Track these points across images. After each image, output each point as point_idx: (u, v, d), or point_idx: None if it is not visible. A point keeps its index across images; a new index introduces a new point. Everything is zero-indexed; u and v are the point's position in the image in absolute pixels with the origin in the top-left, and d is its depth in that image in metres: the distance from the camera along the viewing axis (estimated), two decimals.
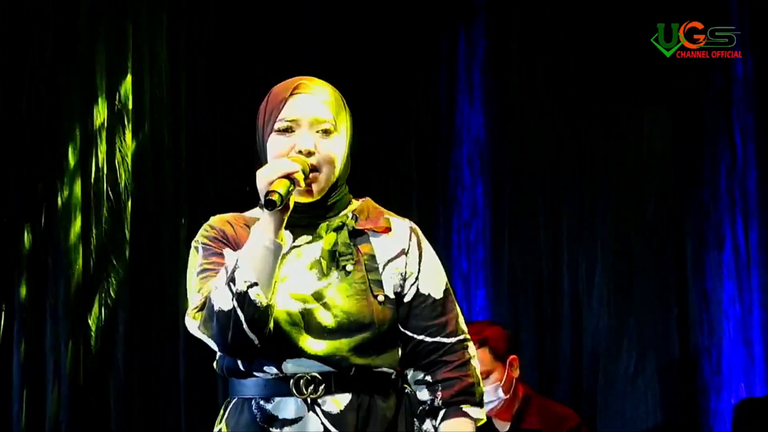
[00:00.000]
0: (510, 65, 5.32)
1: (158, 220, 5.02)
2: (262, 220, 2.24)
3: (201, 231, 2.40)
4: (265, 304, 2.19)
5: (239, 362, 2.31)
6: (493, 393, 4.09)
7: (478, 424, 2.38)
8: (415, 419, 2.40)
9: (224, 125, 5.15)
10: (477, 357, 2.44)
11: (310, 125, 2.32)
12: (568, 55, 5.23)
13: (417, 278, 2.38)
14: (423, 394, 2.39)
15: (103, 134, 4.88)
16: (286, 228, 2.28)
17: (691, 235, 5.01)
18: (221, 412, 2.37)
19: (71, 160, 4.85)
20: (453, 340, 2.38)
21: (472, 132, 5.33)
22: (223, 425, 2.35)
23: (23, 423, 4.75)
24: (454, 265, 5.24)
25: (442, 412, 2.36)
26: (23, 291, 4.79)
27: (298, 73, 2.43)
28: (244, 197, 2.47)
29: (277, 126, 2.33)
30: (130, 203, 4.89)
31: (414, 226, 2.44)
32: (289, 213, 2.23)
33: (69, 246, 4.84)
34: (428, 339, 2.37)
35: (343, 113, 2.38)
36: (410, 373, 2.41)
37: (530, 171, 5.22)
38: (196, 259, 2.35)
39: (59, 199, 4.83)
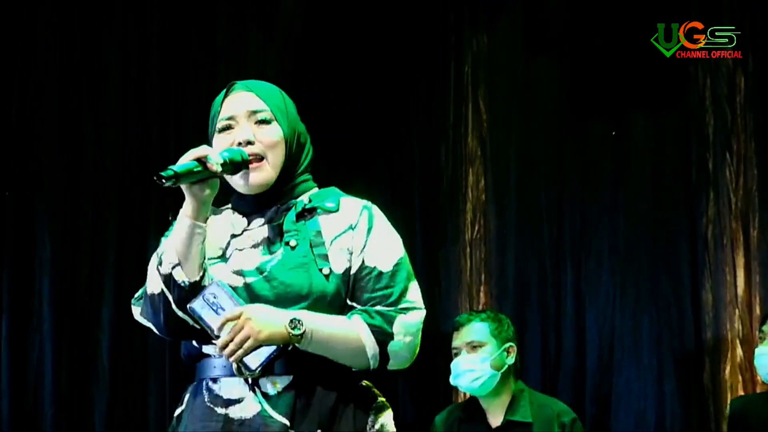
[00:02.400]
0: (513, 62, 5.29)
1: (145, 213, 4.97)
2: (184, 203, 2.29)
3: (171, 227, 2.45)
4: (188, 282, 2.24)
5: (194, 341, 2.34)
6: (479, 363, 4.10)
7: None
8: (370, 412, 2.35)
9: None
10: (414, 324, 2.33)
11: (246, 118, 2.38)
12: (571, 52, 5.20)
13: (362, 251, 2.36)
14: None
15: None
16: (242, 215, 2.39)
17: (695, 234, 4.94)
18: (183, 394, 2.41)
19: None
20: (392, 308, 2.32)
21: (476, 128, 5.28)
22: (183, 406, 2.39)
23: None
24: (459, 261, 5.18)
25: None
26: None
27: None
28: None
29: (218, 126, 2.40)
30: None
31: (369, 204, 2.44)
32: (208, 195, 2.26)
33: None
34: (371, 309, 2.32)
35: (281, 103, 2.42)
36: None
37: (535, 167, 5.19)
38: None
39: None
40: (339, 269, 2.33)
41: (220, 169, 2.26)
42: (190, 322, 2.25)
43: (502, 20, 5.32)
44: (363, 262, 2.35)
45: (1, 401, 4.86)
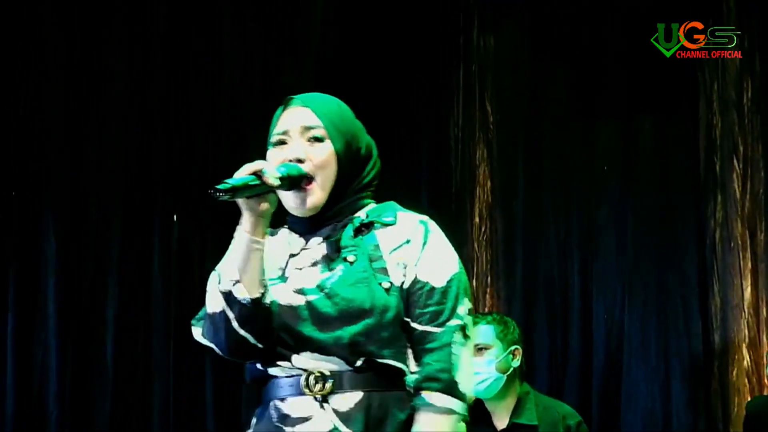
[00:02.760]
0: (520, 63, 5.30)
1: (149, 214, 4.96)
2: (241, 219, 2.25)
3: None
4: (249, 299, 2.21)
5: (257, 364, 2.32)
6: (485, 366, 4.07)
7: (455, 412, 2.25)
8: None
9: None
10: (466, 346, 2.31)
11: (300, 134, 2.33)
12: (577, 54, 5.20)
13: (416, 265, 2.31)
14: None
15: None
16: (299, 234, 2.35)
17: (702, 237, 4.94)
18: (252, 418, 2.38)
19: None
20: (442, 329, 2.28)
21: (484, 129, 5.27)
22: (251, 430, 2.36)
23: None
24: (466, 263, 5.17)
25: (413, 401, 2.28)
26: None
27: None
28: None
29: (272, 141, 2.36)
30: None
31: (426, 219, 2.39)
32: (266, 210, 2.24)
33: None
34: (419, 327, 2.29)
35: (338, 119, 2.37)
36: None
37: (542, 169, 5.19)
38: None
39: None
40: (398, 282, 2.29)
41: (277, 183, 2.23)
42: (251, 340, 2.23)
43: (510, 22, 5.30)
44: (416, 276, 2.30)
45: (6, 400, 4.86)
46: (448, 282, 2.31)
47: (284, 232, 2.39)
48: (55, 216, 5.00)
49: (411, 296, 2.29)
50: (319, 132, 2.32)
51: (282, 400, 2.27)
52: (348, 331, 2.23)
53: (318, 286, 2.27)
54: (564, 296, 5.01)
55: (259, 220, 2.22)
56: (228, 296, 2.21)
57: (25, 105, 5.03)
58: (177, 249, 5.05)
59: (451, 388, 2.25)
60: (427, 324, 2.28)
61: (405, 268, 2.31)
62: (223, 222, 4.89)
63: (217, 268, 2.29)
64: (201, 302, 4.84)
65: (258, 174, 2.20)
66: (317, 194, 2.32)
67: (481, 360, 4.07)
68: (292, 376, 2.27)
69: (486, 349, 4.09)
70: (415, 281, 2.30)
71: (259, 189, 2.20)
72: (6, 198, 4.98)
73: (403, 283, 2.29)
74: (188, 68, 5.19)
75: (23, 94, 5.06)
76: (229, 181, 2.16)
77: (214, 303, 2.24)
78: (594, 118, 5.15)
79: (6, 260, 4.93)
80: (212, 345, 2.29)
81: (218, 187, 2.15)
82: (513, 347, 4.14)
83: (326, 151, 2.32)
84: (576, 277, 5.02)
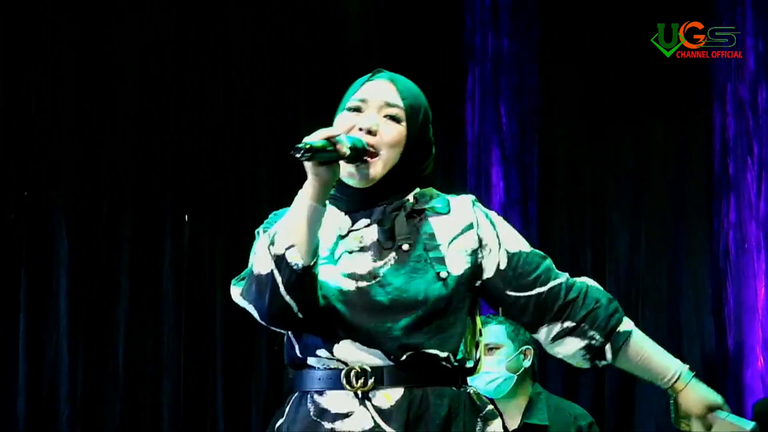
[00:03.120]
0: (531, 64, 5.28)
1: (161, 212, 4.98)
2: (305, 185, 2.20)
3: (264, 223, 2.36)
4: (302, 265, 2.15)
5: (296, 348, 2.27)
6: (495, 365, 4.04)
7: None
8: (478, 420, 2.29)
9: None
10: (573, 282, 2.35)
11: (378, 108, 2.30)
12: (587, 56, 5.18)
13: (500, 243, 2.31)
14: (572, 344, 2.32)
15: None
16: (345, 212, 2.29)
17: (717, 239, 4.91)
18: (284, 406, 2.33)
19: None
20: (562, 278, 2.32)
21: (497, 132, 5.26)
22: (283, 419, 2.30)
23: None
24: None
25: (608, 347, 2.32)
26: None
27: None
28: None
29: (348, 105, 2.32)
30: None
31: (473, 196, 2.39)
32: (331, 178, 2.19)
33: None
34: (544, 288, 2.30)
35: (418, 107, 2.34)
36: (543, 334, 2.34)
37: (555, 171, 5.19)
38: (255, 244, 2.32)
39: None
40: (457, 271, 2.26)
41: (348, 152, 2.19)
42: (294, 308, 2.16)
43: (521, 22, 5.29)
44: (507, 252, 2.31)
45: (17, 399, 4.85)
46: (530, 245, 2.36)
47: (330, 209, 2.29)
48: (66, 215, 4.99)
49: (514, 270, 2.30)
50: (398, 112, 2.30)
51: (319, 393, 2.24)
52: (399, 322, 2.20)
53: (370, 273, 2.23)
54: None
55: (323, 187, 2.17)
56: (279, 259, 2.14)
57: (37, 104, 5.03)
58: (188, 249, 5.04)
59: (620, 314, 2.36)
60: (549, 282, 2.30)
61: (474, 253, 2.29)
62: (234, 222, 4.99)
63: (269, 231, 2.23)
64: (212, 301, 4.93)
65: (333, 141, 2.15)
66: (377, 167, 2.27)
67: (491, 359, 4.04)
68: (332, 369, 2.23)
69: (497, 348, 4.05)
70: (511, 256, 2.31)
71: (331, 155, 2.15)
72: (18, 197, 4.97)
73: (466, 270, 2.27)
74: (199, 67, 5.18)
75: (35, 93, 5.05)
76: (309, 141, 2.12)
77: (262, 264, 2.17)
78: (606, 119, 5.13)
79: (18, 260, 4.92)
80: (251, 307, 2.22)
81: (298, 146, 2.11)
82: (524, 347, 4.11)
83: (399, 132, 2.29)
84: (589, 277, 4.99)
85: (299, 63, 5.24)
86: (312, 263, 2.16)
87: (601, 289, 2.37)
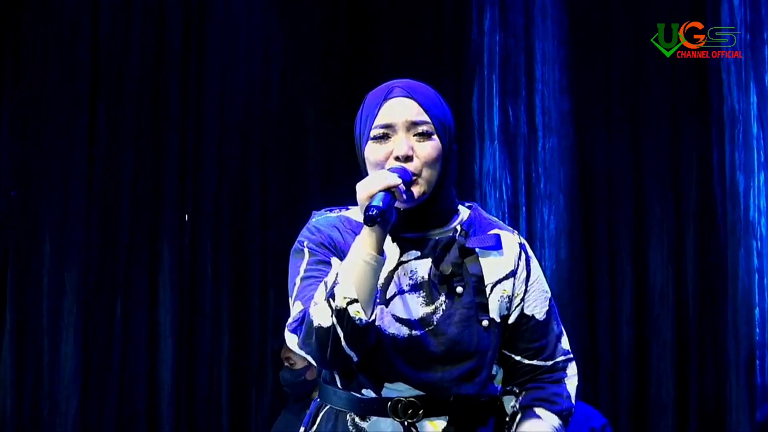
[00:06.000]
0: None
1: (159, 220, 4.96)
2: (363, 233, 2.13)
3: (306, 233, 2.29)
4: (365, 320, 2.10)
5: (337, 379, 2.24)
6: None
7: None
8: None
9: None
10: (575, 386, 2.31)
11: (406, 129, 2.21)
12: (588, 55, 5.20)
13: (523, 299, 2.27)
14: (508, 402, 2.29)
15: None
16: (393, 240, 2.22)
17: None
18: (311, 417, 2.29)
19: None
20: (549, 363, 2.27)
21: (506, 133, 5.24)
22: (314, 430, 2.27)
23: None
24: None
25: (518, 417, 2.26)
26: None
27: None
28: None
29: (372, 134, 2.22)
30: None
31: (523, 241, 2.33)
32: (390, 226, 2.14)
33: None
34: (525, 361, 2.26)
35: (442, 113, 2.26)
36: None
37: (561, 171, 5.18)
38: (300, 263, 2.25)
39: None
40: (497, 318, 2.23)
41: (405, 197, 2.14)
42: (355, 358, 2.13)
43: (534, 21, 5.29)
44: (522, 311, 2.26)
45: (23, 400, 4.78)
46: (547, 313, 2.29)
47: None
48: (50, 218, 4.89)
49: (516, 330, 2.26)
50: (428, 128, 2.21)
51: (362, 418, 2.20)
52: (450, 373, 2.18)
53: (423, 320, 2.18)
54: (590, 298, 5.03)
55: (383, 236, 2.12)
56: (341, 314, 2.09)
57: (30, 100, 4.90)
58: (188, 251, 5.00)
59: (565, 414, 2.25)
60: (534, 359, 2.26)
61: (510, 302, 2.25)
62: (234, 225, 4.95)
63: (325, 278, 2.16)
64: (208, 304, 4.88)
65: (392, 191, 2.11)
66: (422, 188, 2.19)
67: None
68: (380, 398, 2.19)
69: None
70: (521, 315, 2.26)
71: (392, 204, 2.12)
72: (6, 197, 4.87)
73: (503, 317, 2.24)
74: (200, 70, 5.13)
75: (33, 85, 4.91)
76: (376, 205, 2.07)
77: (322, 317, 2.11)
78: (612, 123, 5.16)
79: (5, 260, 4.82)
80: (310, 357, 2.18)
81: (371, 214, 2.06)
82: None
83: (435, 149, 2.21)
84: (605, 278, 5.05)
85: (306, 63, 5.19)
86: (375, 316, 2.14)
87: (570, 389, 2.29)
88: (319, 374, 2.32)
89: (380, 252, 2.12)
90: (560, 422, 2.24)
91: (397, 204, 2.17)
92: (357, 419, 2.21)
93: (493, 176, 5.22)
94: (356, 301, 2.09)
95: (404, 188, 2.14)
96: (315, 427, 2.27)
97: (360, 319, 2.09)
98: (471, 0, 5.30)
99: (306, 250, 2.25)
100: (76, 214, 4.82)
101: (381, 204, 2.08)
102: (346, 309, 2.09)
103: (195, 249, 4.98)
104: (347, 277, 2.11)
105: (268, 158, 5.13)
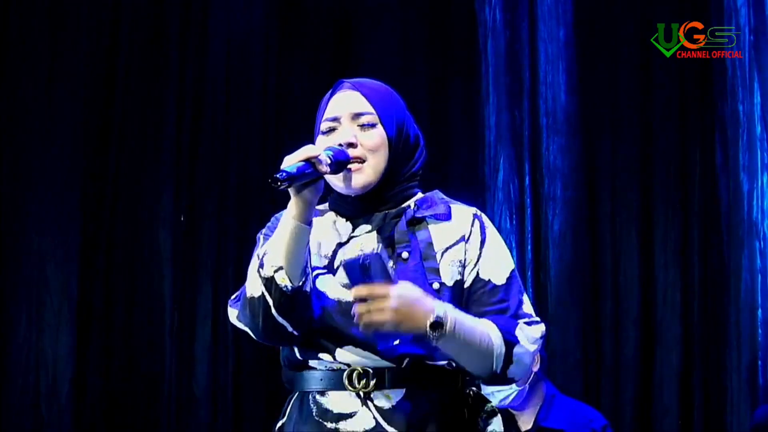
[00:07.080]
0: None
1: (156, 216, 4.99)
2: (289, 204, 2.19)
3: (266, 225, 2.36)
4: (291, 288, 2.16)
5: (296, 351, 2.27)
6: None
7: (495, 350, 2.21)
8: (479, 420, 2.30)
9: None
10: (536, 334, 2.27)
11: (350, 120, 2.29)
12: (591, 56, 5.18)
13: (477, 264, 2.28)
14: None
15: None
16: (346, 219, 2.30)
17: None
18: (285, 406, 2.33)
19: None
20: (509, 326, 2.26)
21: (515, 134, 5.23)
22: (285, 419, 2.31)
23: None
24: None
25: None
26: None
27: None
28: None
29: (321, 128, 2.31)
30: None
31: (479, 212, 2.35)
32: (313, 197, 2.20)
33: None
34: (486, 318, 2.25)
35: (390, 106, 2.32)
36: None
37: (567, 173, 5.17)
38: (255, 249, 2.31)
39: None
40: (449, 282, 2.25)
41: (328, 169, 2.19)
42: (289, 328, 2.18)
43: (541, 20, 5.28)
44: (477, 275, 2.27)
45: (26, 401, 4.84)
46: (508, 279, 2.29)
47: (330, 215, 2.33)
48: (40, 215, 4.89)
49: (472, 295, 2.27)
50: (371, 118, 2.28)
51: (321, 393, 2.24)
52: (399, 335, 2.18)
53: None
54: (594, 296, 5.01)
55: (306, 206, 2.17)
56: (269, 282, 2.16)
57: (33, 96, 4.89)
58: (183, 246, 5.00)
59: (507, 343, 2.21)
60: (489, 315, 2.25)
61: (462, 267, 2.27)
62: (230, 218, 4.95)
63: (257, 251, 2.24)
64: (206, 301, 4.88)
65: (312, 162, 2.15)
66: (368, 174, 2.26)
67: None
68: (334, 370, 2.24)
69: None
70: (477, 280, 2.27)
71: (312, 176, 2.16)
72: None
73: (459, 281, 2.26)
74: (201, 67, 5.16)
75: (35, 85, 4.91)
76: (286, 169, 2.12)
77: (253, 287, 2.19)
78: (616, 125, 5.14)
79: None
80: (247, 329, 2.24)
81: (276, 176, 2.11)
82: None
83: (378, 137, 2.28)
84: (610, 279, 5.03)
85: (302, 61, 5.21)
86: (301, 284, 2.17)
87: (524, 335, 2.25)
88: (284, 364, 2.32)
89: (305, 221, 2.17)
90: (501, 343, 2.20)
91: (347, 191, 2.27)
92: (317, 396, 2.25)
93: (498, 177, 5.21)
94: (281, 268, 2.16)
95: (328, 161, 2.18)
96: (286, 415, 2.30)
97: (286, 286, 2.15)
98: (476, 1, 5.29)
99: (261, 238, 2.32)
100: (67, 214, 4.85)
101: (294, 171, 2.12)
102: (272, 277, 2.16)
103: (194, 245, 4.99)
104: (274, 246, 2.18)
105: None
